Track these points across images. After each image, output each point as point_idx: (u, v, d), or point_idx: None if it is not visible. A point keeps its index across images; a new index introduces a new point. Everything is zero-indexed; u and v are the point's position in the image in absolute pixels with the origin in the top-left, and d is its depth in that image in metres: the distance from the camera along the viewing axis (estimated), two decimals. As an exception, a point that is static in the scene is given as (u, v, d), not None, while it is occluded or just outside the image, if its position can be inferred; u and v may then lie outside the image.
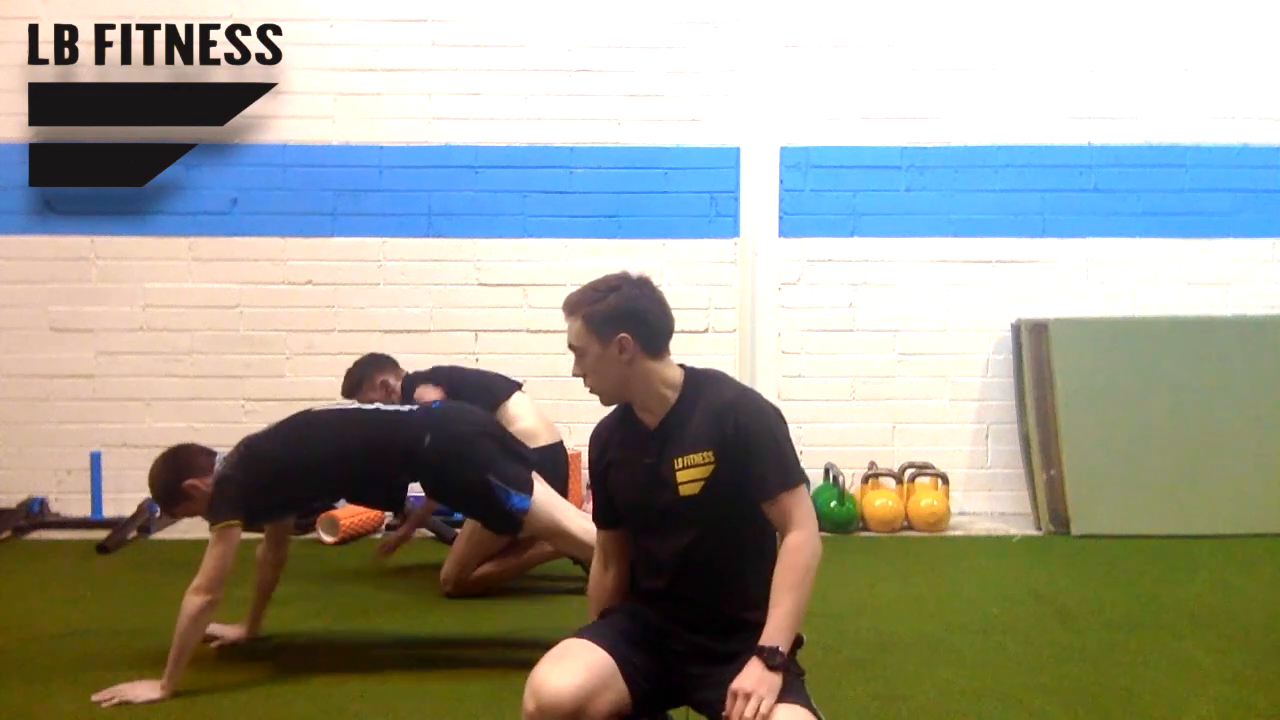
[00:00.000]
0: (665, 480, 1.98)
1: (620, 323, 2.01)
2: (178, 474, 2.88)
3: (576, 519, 2.99)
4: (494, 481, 2.87)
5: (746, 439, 1.96)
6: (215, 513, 2.80)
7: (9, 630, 3.36)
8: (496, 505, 2.89)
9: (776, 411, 2.05)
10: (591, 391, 2.07)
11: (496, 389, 4.00)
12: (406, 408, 3.08)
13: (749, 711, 1.79)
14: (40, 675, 2.93)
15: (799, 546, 1.92)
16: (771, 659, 1.85)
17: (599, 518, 2.16)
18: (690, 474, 1.97)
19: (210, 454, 2.95)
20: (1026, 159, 5.18)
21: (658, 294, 2.09)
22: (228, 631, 3.18)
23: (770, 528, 2.01)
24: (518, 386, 4.08)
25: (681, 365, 2.09)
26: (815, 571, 1.94)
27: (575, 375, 2.06)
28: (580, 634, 1.96)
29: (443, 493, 3.03)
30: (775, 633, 1.88)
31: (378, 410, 3.07)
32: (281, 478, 2.89)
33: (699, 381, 2.06)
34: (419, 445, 2.89)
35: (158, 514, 4.71)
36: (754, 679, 1.83)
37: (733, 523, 1.99)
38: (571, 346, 2.05)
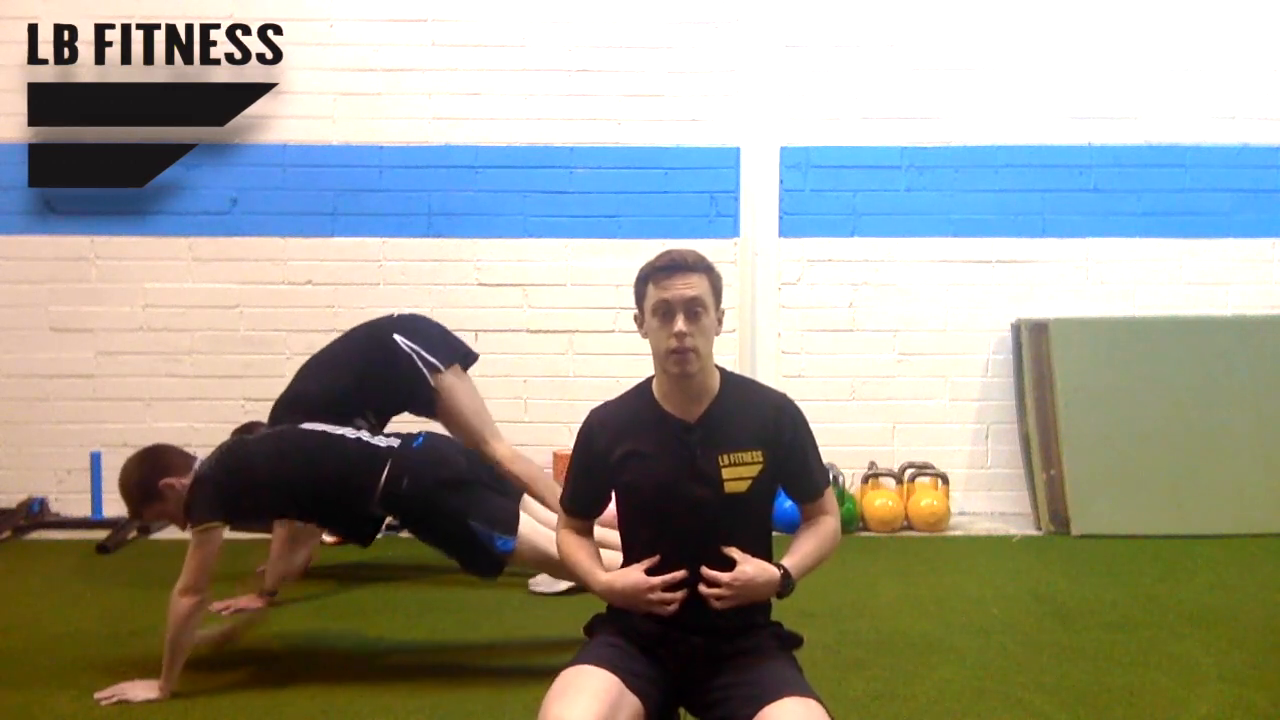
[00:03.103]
0: (705, 475, 1.98)
1: (721, 295, 2.06)
2: (154, 473, 2.85)
3: None
4: (475, 526, 2.84)
5: (801, 443, 2.07)
6: (195, 514, 2.79)
7: (9, 630, 3.36)
8: (479, 548, 2.85)
9: None
10: (686, 356, 1.95)
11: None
12: (386, 443, 2.97)
13: (725, 578, 1.89)
14: (40, 675, 2.93)
15: (833, 526, 2.10)
16: (785, 580, 1.95)
17: (575, 506, 2.13)
18: (738, 471, 1.99)
19: (187, 455, 2.94)
20: (1026, 159, 5.18)
21: None
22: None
23: (770, 530, 2.06)
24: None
25: None
26: (835, 550, 2.09)
27: (682, 332, 1.94)
28: (577, 662, 1.93)
29: (423, 534, 2.99)
30: (797, 566, 1.99)
31: (360, 441, 2.97)
32: (256, 487, 2.88)
33: (735, 380, 2.09)
34: (397, 488, 2.86)
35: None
36: (757, 572, 1.91)
37: (754, 520, 2.03)
38: (690, 301, 1.95)
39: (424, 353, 3.79)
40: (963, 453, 5.20)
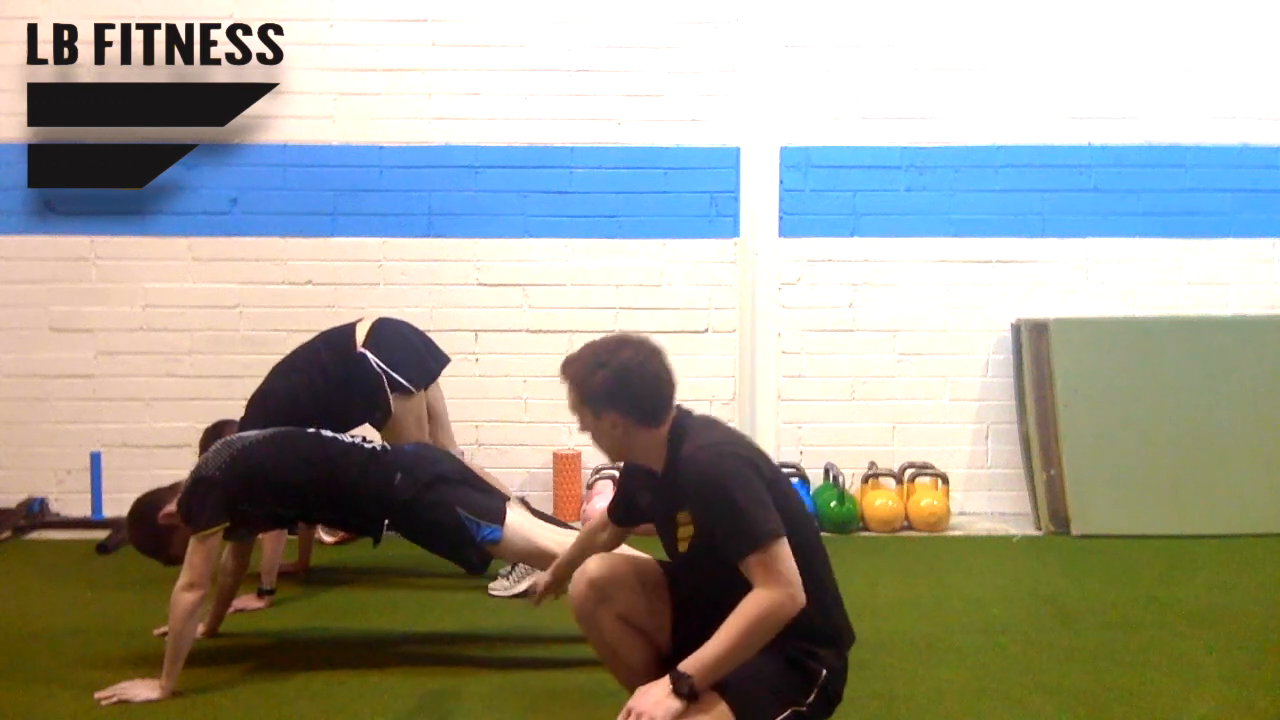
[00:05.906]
0: (672, 529, 2.08)
1: (608, 401, 2.03)
2: (149, 517, 2.95)
3: (556, 540, 2.97)
4: (463, 514, 2.94)
5: (705, 507, 1.96)
6: (198, 517, 2.78)
7: (9, 630, 3.36)
8: (466, 537, 2.94)
9: (735, 462, 1.98)
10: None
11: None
12: (381, 446, 3.12)
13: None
14: (40, 675, 2.93)
15: (756, 598, 1.88)
16: (679, 684, 1.83)
17: (612, 513, 2.27)
18: (684, 531, 2.04)
19: (169, 488, 3.01)
20: (1026, 159, 5.18)
21: (653, 364, 2.05)
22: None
23: None
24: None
25: (677, 409, 2.10)
26: (767, 626, 1.88)
27: (581, 432, 2.15)
28: None
29: (412, 529, 3.03)
30: (696, 661, 1.86)
31: (353, 442, 3.08)
32: (267, 491, 2.91)
33: (680, 437, 2.05)
34: (390, 482, 2.95)
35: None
36: (651, 700, 1.83)
37: (724, 572, 1.96)
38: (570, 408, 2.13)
39: (395, 375, 3.73)
40: (963, 453, 5.20)
